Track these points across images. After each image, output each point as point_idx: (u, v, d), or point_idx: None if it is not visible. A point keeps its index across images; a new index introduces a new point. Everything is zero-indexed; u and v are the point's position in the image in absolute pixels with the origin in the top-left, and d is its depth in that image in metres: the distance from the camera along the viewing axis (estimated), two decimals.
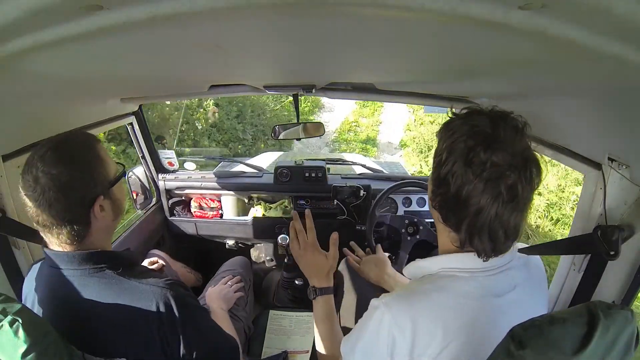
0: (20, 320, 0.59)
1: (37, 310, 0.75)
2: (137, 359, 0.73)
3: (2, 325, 0.58)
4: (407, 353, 0.61)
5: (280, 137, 1.57)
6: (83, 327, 0.73)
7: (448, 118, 0.66)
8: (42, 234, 0.73)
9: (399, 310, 0.62)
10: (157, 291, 0.74)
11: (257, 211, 1.86)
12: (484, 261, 0.62)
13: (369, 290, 1.25)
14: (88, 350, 0.72)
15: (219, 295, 1.27)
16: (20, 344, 0.58)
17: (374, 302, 0.66)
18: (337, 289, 1.27)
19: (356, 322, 0.80)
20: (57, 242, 0.72)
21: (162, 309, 0.73)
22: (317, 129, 1.59)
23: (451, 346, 0.60)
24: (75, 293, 0.72)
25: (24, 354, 0.58)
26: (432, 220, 1.48)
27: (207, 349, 0.80)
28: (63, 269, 0.73)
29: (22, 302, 0.75)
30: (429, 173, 0.83)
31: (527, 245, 0.75)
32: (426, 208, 1.77)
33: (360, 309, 1.14)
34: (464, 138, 0.60)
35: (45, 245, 0.75)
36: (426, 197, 1.76)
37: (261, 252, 2.13)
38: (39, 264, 0.80)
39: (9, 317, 0.58)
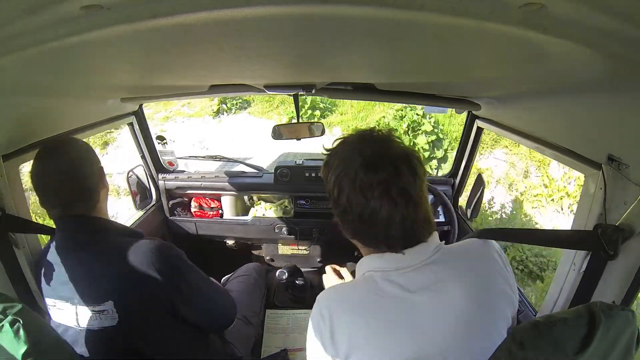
0: (21, 321, 0.59)
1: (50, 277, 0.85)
2: (124, 301, 0.81)
3: (2, 325, 0.58)
4: (329, 340, 0.64)
5: (280, 137, 1.56)
6: (77, 280, 0.82)
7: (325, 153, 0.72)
8: (55, 217, 0.86)
9: (322, 301, 0.68)
10: (154, 248, 0.85)
11: (257, 211, 1.86)
12: (399, 258, 0.65)
13: None
14: (79, 302, 0.81)
15: None
16: (20, 345, 0.58)
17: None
18: None
19: None
20: (72, 212, 0.86)
21: (159, 265, 0.83)
22: (317, 129, 1.59)
23: (360, 337, 0.62)
24: (81, 250, 0.84)
25: (25, 355, 0.58)
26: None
27: (204, 304, 0.91)
28: (73, 230, 0.86)
29: (39, 285, 0.88)
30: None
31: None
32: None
33: None
34: (344, 172, 0.65)
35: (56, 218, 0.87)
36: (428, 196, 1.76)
37: (261, 252, 2.13)
38: (50, 247, 0.90)
39: (10, 318, 0.58)
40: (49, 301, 0.86)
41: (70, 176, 0.84)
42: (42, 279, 0.87)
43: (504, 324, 0.63)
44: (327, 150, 0.73)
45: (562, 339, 0.47)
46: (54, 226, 0.90)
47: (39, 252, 0.98)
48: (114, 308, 0.79)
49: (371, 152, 0.64)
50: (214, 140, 5.69)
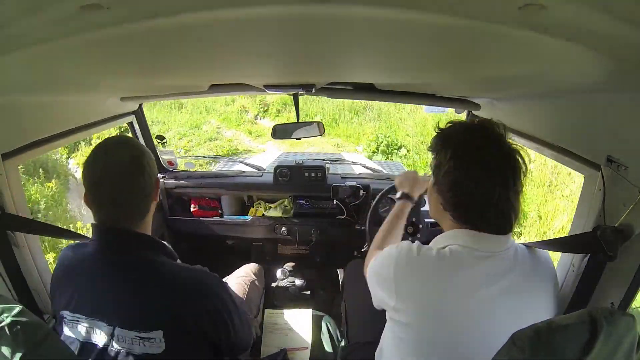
0: (19, 323, 0.58)
1: (66, 288, 0.80)
2: (173, 332, 0.78)
3: (1, 327, 0.57)
4: (392, 288, 0.72)
5: (280, 136, 1.57)
6: (121, 302, 0.77)
7: (437, 131, 0.79)
8: (99, 221, 0.80)
9: (399, 256, 0.74)
10: (200, 277, 0.84)
11: (257, 211, 1.86)
12: (488, 240, 0.71)
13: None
14: (120, 325, 0.76)
15: None
16: (19, 346, 0.58)
17: (400, 242, 0.78)
18: (342, 290, 1.26)
19: (359, 321, 1.03)
20: (117, 219, 0.80)
21: (210, 300, 0.82)
22: (316, 129, 1.59)
23: (416, 301, 0.70)
24: (125, 271, 0.79)
25: (23, 356, 0.58)
26: (431, 220, 1.48)
27: (242, 334, 0.91)
28: (117, 247, 0.80)
29: (51, 287, 0.83)
30: None
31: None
32: (426, 208, 1.77)
33: (363, 311, 1.15)
34: (466, 145, 0.72)
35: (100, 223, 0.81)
36: (426, 196, 1.76)
37: (261, 252, 2.13)
38: (69, 250, 0.85)
39: (8, 320, 0.58)
40: (68, 315, 0.79)
41: (131, 175, 0.79)
42: (64, 289, 0.81)
43: None
44: (440, 128, 0.79)
45: (564, 345, 0.47)
46: (56, 225, 0.86)
47: (39, 252, 0.98)
48: (163, 338, 0.76)
49: (493, 132, 0.72)
50: None
